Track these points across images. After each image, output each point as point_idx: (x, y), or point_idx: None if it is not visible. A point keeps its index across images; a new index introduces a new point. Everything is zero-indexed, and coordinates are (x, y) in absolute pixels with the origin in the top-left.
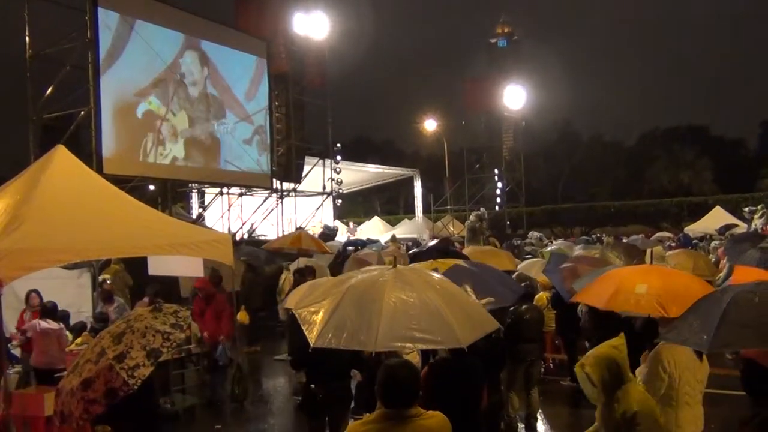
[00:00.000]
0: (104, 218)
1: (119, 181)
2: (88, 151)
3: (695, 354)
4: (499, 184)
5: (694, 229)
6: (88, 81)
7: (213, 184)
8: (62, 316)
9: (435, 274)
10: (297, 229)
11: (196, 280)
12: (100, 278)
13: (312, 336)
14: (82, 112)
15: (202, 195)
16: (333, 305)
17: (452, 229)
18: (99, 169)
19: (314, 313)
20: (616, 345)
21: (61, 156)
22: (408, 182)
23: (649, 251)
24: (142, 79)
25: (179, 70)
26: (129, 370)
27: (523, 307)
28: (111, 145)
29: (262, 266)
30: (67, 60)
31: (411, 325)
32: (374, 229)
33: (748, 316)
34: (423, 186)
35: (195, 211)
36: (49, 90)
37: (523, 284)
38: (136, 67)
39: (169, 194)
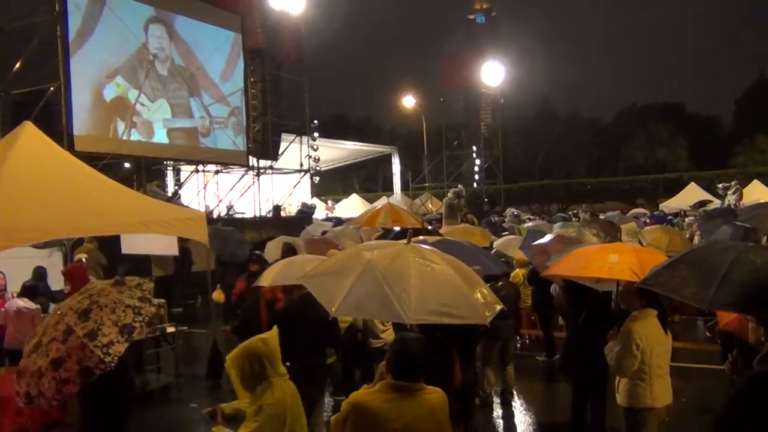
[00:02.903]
0: (74, 196)
1: (91, 159)
2: (60, 129)
3: (661, 326)
4: (477, 162)
5: (669, 205)
6: (57, 56)
7: (188, 162)
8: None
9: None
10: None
11: (69, 265)
12: (76, 258)
13: (332, 305)
14: (52, 88)
15: (177, 173)
16: (354, 277)
17: (430, 206)
18: (70, 147)
19: (331, 283)
20: (265, 338)
21: (29, 133)
22: (386, 159)
23: (623, 227)
24: (114, 59)
25: (151, 49)
26: (103, 348)
27: (499, 283)
28: (83, 123)
29: (233, 260)
30: (35, 35)
31: (440, 300)
32: (353, 206)
33: (750, 278)
34: (401, 163)
35: (171, 189)
36: (17, 65)
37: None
38: (108, 46)
39: (143, 172)
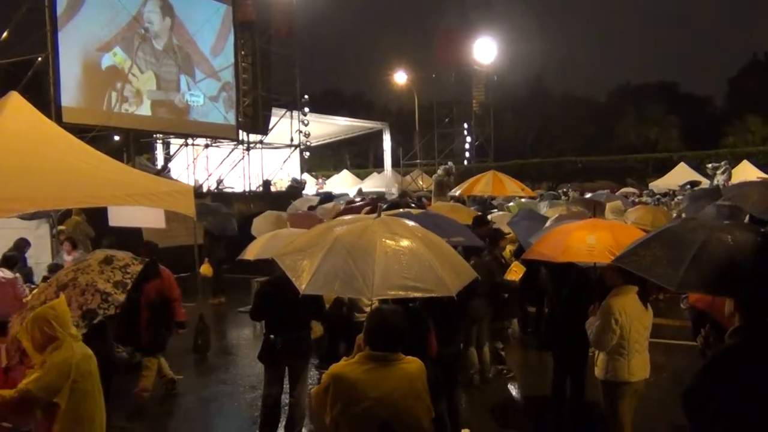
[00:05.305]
0: (60, 167)
1: (80, 131)
2: (49, 100)
3: (640, 302)
4: (468, 139)
5: (658, 184)
6: (46, 25)
7: (178, 136)
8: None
9: (411, 223)
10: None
11: None
12: (55, 230)
13: (301, 283)
14: (40, 58)
15: (167, 146)
16: (322, 253)
17: (421, 183)
18: (58, 118)
19: (302, 260)
20: (52, 305)
21: (15, 103)
22: (378, 135)
23: (608, 205)
24: (105, 31)
25: (143, 23)
26: None
27: (471, 262)
28: (72, 94)
29: (223, 233)
30: (23, 2)
31: (403, 273)
32: (343, 182)
33: (720, 259)
34: (392, 139)
35: (160, 163)
36: (5, 34)
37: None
38: (98, 19)
39: (132, 145)
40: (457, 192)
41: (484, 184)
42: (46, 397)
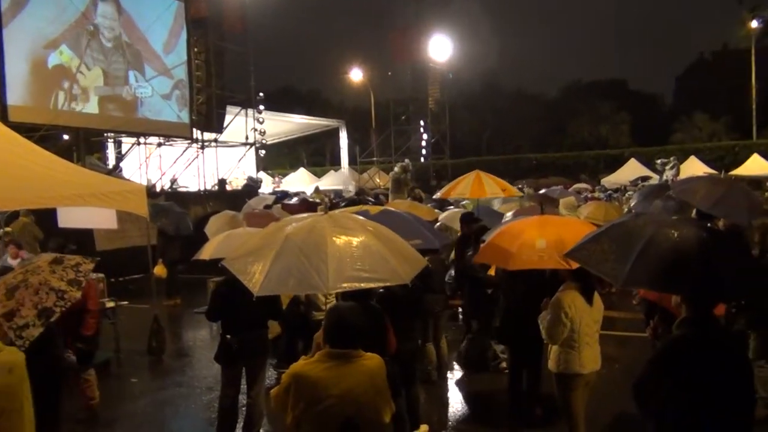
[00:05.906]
0: (6, 168)
1: (27, 130)
2: None
3: (586, 297)
4: (425, 136)
5: (610, 180)
6: None
7: (130, 134)
8: None
9: (362, 218)
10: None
11: None
12: (1, 231)
13: (254, 284)
14: None
15: (119, 145)
16: (273, 253)
17: (378, 180)
18: (3, 117)
19: (252, 262)
20: None
21: None
22: (334, 133)
23: (561, 201)
24: (52, 28)
25: (93, 20)
26: (17, 330)
27: (426, 257)
28: (19, 92)
29: (178, 233)
30: None
31: (356, 266)
32: (300, 180)
33: (665, 255)
34: (349, 137)
35: (112, 162)
36: None
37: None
38: (45, 16)
39: (82, 144)
40: (438, 195)
41: (463, 186)
42: None
